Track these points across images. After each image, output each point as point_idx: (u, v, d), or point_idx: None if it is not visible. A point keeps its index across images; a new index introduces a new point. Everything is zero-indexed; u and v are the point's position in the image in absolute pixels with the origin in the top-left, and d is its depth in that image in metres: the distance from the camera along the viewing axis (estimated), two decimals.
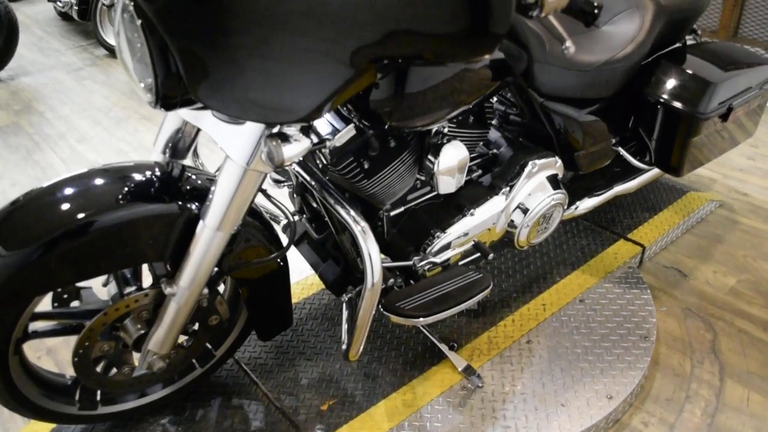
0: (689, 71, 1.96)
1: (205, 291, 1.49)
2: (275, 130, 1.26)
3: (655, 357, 1.98)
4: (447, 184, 1.70)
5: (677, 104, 1.98)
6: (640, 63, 2.00)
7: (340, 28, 1.06)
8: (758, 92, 2.18)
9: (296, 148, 1.27)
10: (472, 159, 1.96)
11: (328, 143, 1.55)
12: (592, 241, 2.40)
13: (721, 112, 2.03)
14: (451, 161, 1.66)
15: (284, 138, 1.26)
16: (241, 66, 1.06)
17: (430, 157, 1.67)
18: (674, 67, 1.98)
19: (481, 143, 2.03)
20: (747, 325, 2.12)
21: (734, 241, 2.53)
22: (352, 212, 1.48)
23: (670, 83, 1.98)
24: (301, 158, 1.32)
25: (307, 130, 1.31)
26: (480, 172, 1.94)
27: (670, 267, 2.39)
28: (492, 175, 1.94)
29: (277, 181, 1.97)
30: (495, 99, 2.09)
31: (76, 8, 5.28)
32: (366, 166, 1.62)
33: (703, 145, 2.10)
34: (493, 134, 2.04)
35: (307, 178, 1.63)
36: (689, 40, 2.27)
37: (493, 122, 2.10)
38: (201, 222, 1.36)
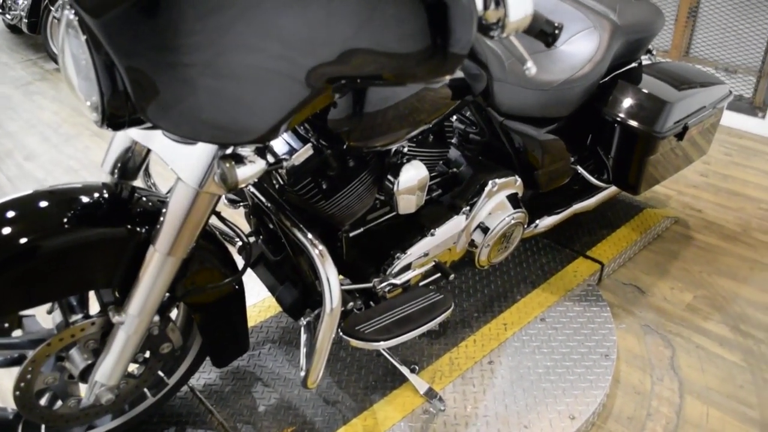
0: (645, 91, 1.98)
1: (156, 318, 1.42)
2: (229, 151, 1.22)
3: (616, 375, 1.98)
4: (407, 205, 1.67)
5: (634, 123, 1.99)
6: (598, 82, 2.02)
7: (296, 47, 1.02)
8: (712, 111, 2.22)
9: (251, 169, 1.23)
10: (432, 178, 1.94)
11: (284, 163, 1.51)
12: (552, 259, 2.40)
13: (677, 131, 2.06)
14: (411, 181, 1.64)
15: (238, 159, 1.22)
16: (193, 85, 1.02)
17: (389, 176, 1.64)
18: (631, 86, 2.01)
19: (441, 162, 2.01)
20: (704, 341, 2.14)
21: (690, 257, 2.57)
22: (310, 235, 1.44)
23: (627, 102, 2.00)
24: (256, 179, 1.27)
25: (262, 151, 1.27)
26: (440, 191, 1.92)
27: (629, 284, 2.41)
28: (452, 194, 1.92)
29: (232, 201, 1.92)
30: (455, 118, 2.08)
31: (26, 21, 5.12)
32: (324, 187, 1.59)
33: (660, 163, 2.12)
34: (453, 153, 2.03)
35: (263, 199, 1.59)
36: (645, 60, 2.30)
37: (453, 141, 2.08)
38: (151, 247, 1.30)
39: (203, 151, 1.21)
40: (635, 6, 2.12)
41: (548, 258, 2.40)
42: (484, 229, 1.91)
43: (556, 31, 1.25)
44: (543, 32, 1.25)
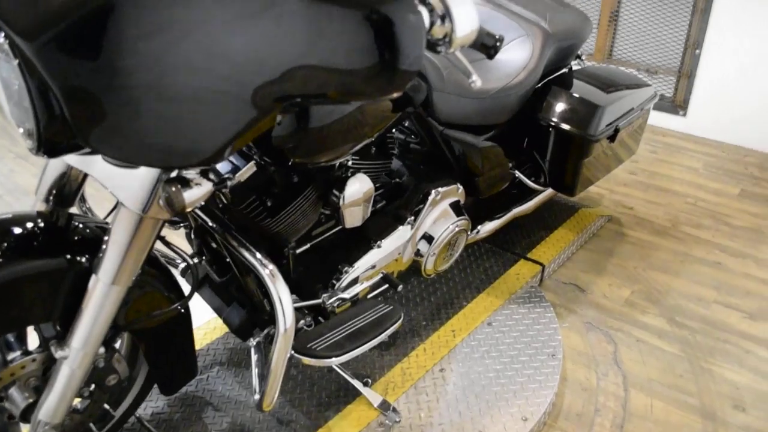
0: (578, 95, 2.04)
1: (101, 350, 1.37)
2: (173, 174, 1.18)
3: (563, 373, 2.03)
4: (353, 218, 1.67)
5: (569, 127, 2.05)
6: (533, 88, 2.06)
7: (241, 67, 1.00)
8: (639, 113, 2.31)
9: (197, 192, 1.20)
10: (376, 190, 1.94)
11: (228, 183, 1.48)
12: (495, 263, 2.44)
13: (609, 133, 2.13)
14: (357, 194, 1.63)
15: (184, 182, 1.19)
16: (136, 108, 0.98)
17: (335, 191, 1.63)
18: (564, 92, 2.06)
19: (385, 173, 2.01)
20: (644, 334, 2.22)
21: (625, 253, 2.66)
22: (258, 255, 1.41)
23: (561, 108, 2.06)
24: (203, 202, 1.24)
25: (207, 172, 1.24)
26: (384, 202, 1.92)
27: (569, 283, 2.47)
28: (397, 204, 1.93)
29: (172, 223, 1.86)
30: (395, 128, 2.09)
31: None
32: (269, 204, 1.57)
33: (594, 165, 2.19)
34: (396, 163, 2.04)
35: (206, 219, 1.55)
36: (575, 65, 2.37)
37: (395, 152, 2.09)
38: (93, 276, 1.25)
39: (146, 175, 1.17)
40: (564, 13, 2.18)
41: (491, 262, 2.44)
42: (429, 238, 1.93)
43: (498, 44, 1.27)
44: (485, 45, 1.27)
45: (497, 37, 1.27)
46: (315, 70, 1.05)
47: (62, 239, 1.32)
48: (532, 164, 2.26)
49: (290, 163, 1.45)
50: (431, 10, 1.12)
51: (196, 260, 1.85)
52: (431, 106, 1.79)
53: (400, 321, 1.74)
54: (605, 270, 2.55)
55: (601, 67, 2.36)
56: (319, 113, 1.43)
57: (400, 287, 1.82)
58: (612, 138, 2.16)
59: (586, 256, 2.63)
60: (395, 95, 1.16)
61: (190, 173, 1.20)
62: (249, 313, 1.75)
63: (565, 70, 2.27)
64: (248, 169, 1.48)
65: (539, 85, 2.14)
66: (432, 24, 1.13)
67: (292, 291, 1.78)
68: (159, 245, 1.53)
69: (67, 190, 1.37)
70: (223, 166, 1.56)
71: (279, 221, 1.58)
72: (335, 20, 1.02)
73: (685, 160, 3.46)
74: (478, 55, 2.05)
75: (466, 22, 1.12)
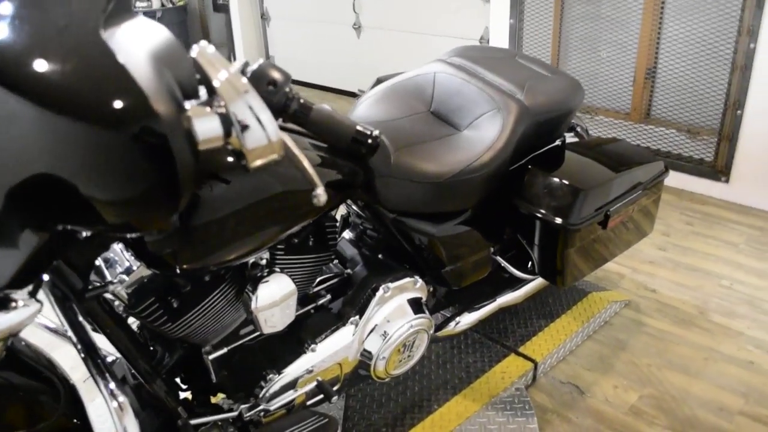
0: (556, 179, 1.78)
1: None
2: None
3: None
4: (270, 324, 1.45)
5: (544, 214, 1.78)
6: (507, 168, 1.82)
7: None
8: (643, 192, 2.01)
9: (20, 314, 1.03)
10: (322, 281, 1.73)
11: (112, 287, 1.31)
12: (480, 358, 2.16)
13: (597, 219, 1.85)
14: (272, 297, 1.42)
15: (3, 304, 1.01)
16: None
17: (247, 292, 1.43)
18: (541, 173, 1.80)
19: (337, 261, 1.81)
20: None
21: (639, 347, 2.33)
22: (111, 384, 1.22)
23: (537, 191, 1.80)
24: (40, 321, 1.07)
25: (35, 292, 1.07)
26: (329, 297, 1.70)
27: (567, 382, 2.16)
28: (343, 300, 1.71)
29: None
30: (343, 212, 1.89)
31: None
32: (175, 306, 1.38)
33: (584, 253, 1.91)
34: (350, 251, 1.82)
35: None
36: (570, 137, 2.11)
37: (351, 237, 1.88)
38: None
39: None
40: (547, 82, 1.93)
41: (476, 356, 2.17)
42: (379, 338, 1.69)
43: (370, 141, 1.07)
44: (356, 141, 1.08)
45: (370, 133, 1.07)
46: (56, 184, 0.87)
47: None
48: (517, 249, 2.00)
49: (180, 271, 1.26)
50: (225, 120, 0.94)
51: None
52: (374, 192, 1.58)
53: None
54: (612, 368, 2.23)
55: (599, 140, 2.08)
56: (210, 207, 1.25)
57: (334, 399, 1.60)
58: (603, 224, 1.88)
59: (592, 349, 2.32)
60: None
61: (18, 294, 1.03)
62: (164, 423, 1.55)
63: (556, 143, 2.01)
64: (138, 272, 1.31)
65: (521, 163, 1.89)
66: (227, 133, 0.93)
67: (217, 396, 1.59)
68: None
69: None
70: (118, 266, 1.39)
71: (184, 326, 1.39)
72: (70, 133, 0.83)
73: (725, 234, 3.08)
74: (445, 130, 1.84)
75: (255, 137, 0.92)
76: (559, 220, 1.76)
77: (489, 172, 1.71)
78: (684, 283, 2.70)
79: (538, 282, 2.15)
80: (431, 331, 1.80)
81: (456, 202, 1.72)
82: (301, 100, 1.19)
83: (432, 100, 1.93)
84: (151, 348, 1.53)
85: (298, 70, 5.91)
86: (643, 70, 3.66)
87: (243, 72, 1.14)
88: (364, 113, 1.87)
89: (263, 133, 0.93)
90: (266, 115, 0.95)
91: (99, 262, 1.34)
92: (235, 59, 6.04)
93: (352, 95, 5.44)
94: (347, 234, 1.91)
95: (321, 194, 1.07)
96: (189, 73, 0.96)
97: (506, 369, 2.11)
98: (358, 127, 1.10)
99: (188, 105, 0.93)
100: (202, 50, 0.96)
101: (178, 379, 1.62)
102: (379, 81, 2.16)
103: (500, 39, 4.18)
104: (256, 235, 1.32)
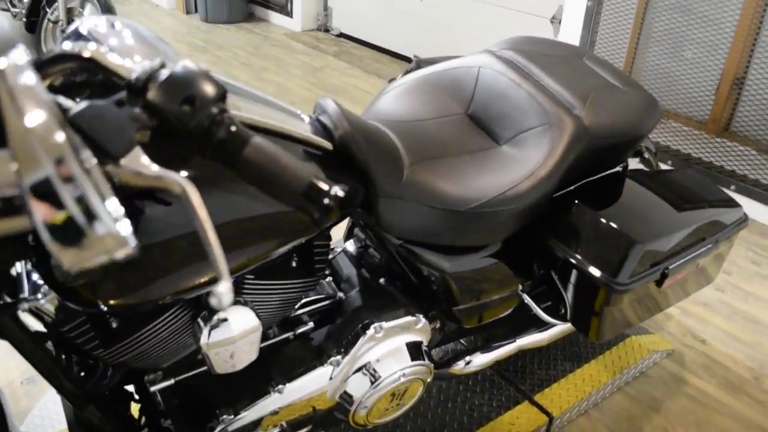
0: (607, 221, 1.44)
1: None
2: None
3: None
4: (222, 364, 1.18)
5: (585, 265, 1.45)
6: (548, 199, 1.48)
7: None
8: (714, 246, 1.65)
9: None
10: (307, 304, 1.45)
11: (25, 304, 1.06)
12: (488, 400, 1.87)
13: (652, 278, 1.50)
14: (227, 333, 1.15)
15: None
16: None
17: (198, 323, 1.16)
18: (588, 211, 1.46)
19: (332, 280, 1.52)
20: None
21: (675, 410, 2.00)
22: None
23: (581, 234, 1.46)
24: None
25: None
26: (311, 325, 1.42)
27: None
28: (328, 330, 1.43)
29: None
30: (347, 226, 1.59)
31: (25, 20, 4.90)
32: (112, 327, 1.13)
33: (628, 310, 1.57)
34: (348, 269, 1.54)
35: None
36: (635, 164, 1.76)
37: (352, 250, 1.59)
38: None
39: None
40: (617, 97, 1.56)
41: (483, 398, 1.88)
42: (364, 382, 1.41)
43: (326, 200, 0.77)
44: (307, 197, 0.78)
45: (327, 190, 0.77)
46: None
47: None
48: (548, 288, 1.67)
49: (104, 309, 0.99)
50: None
51: None
52: (377, 215, 1.28)
53: None
54: None
55: (669, 173, 1.72)
56: (144, 225, 0.97)
57: None
58: (659, 282, 1.53)
59: (620, 405, 2.00)
60: None
61: None
62: None
63: (616, 169, 1.66)
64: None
65: (567, 190, 1.56)
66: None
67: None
68: None
69: None
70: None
71: (120, 352, 1.13)
72: None
73: None
74: (480, 142, 1.51)
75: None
76: (602, 276, 1.42)
77: (524, 205, 1.38)
78: (740, 337, 2.34)
79: (565, 327, 1.82)
80: (429, 378, 1.51)
81: (478, 237, 1.40)
82: (234, 128, 0.81)
83: (471, 100, 1.60)
84: (86, 365, 1.28)
85: (355, 26, 5.56)
86: (730, 78, 3.21)
87: (149, 78, 0.79)
88: (388, 107, 1.55)
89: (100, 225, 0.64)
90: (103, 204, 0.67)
91: (20, 270, 1.10)
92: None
93: (408, 60, 5.08)
94: (349, 245, 1.61)
95: (224, 293, 0.75)
96: None
97: (516, 419, 1.81)
98: (314, 179, 0.79)
99: None
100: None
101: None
102: (417, 63, 1.84)
103: (574, 21, 3.75)
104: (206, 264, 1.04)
